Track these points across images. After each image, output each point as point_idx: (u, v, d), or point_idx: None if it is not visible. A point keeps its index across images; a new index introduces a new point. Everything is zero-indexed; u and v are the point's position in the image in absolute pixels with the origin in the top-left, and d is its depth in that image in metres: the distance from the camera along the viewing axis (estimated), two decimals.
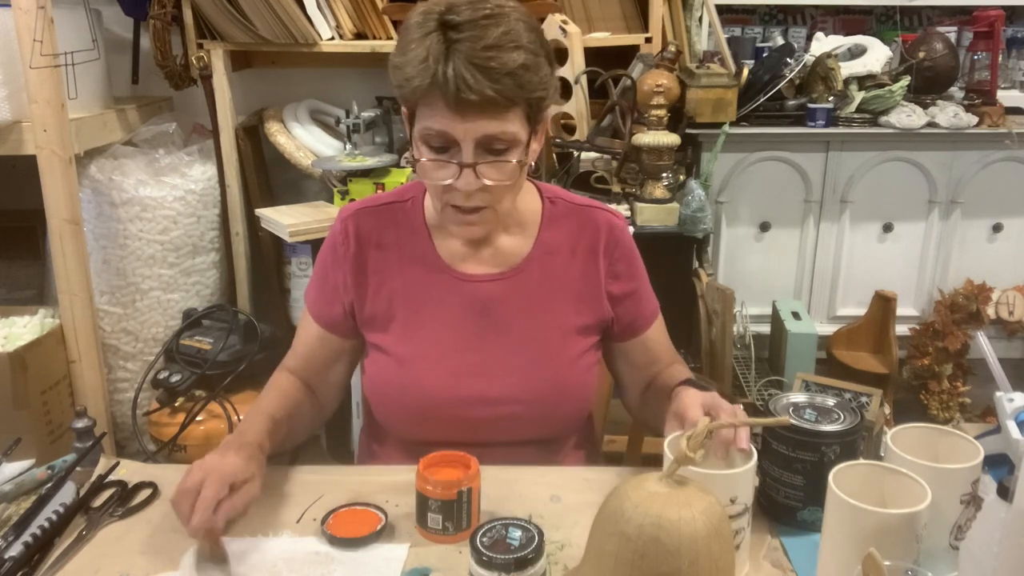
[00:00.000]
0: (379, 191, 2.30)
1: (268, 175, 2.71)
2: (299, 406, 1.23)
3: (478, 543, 0.87)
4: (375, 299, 1.23)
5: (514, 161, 1.08)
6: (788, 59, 2.51)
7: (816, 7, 3.10)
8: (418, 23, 1.05)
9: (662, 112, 2.22)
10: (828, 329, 2.63)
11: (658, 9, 2.47)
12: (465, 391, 1.19)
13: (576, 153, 2.34)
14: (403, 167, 2.35)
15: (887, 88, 2.49)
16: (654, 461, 1.01)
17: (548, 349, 1.22)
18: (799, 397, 1.07)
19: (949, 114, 2.46)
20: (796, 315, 2.42)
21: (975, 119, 2.48)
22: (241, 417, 2.27)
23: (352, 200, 2.31)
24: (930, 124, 2.48)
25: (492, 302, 1.21)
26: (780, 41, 2.99)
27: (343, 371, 1.30)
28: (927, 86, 2.57)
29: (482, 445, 1.10)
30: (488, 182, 1.07)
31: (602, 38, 2.46)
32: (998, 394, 1.15)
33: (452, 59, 1.01)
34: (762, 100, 2.44)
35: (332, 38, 2.39)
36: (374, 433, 1.33)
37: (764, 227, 2.60)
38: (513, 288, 1.22)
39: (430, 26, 1.03)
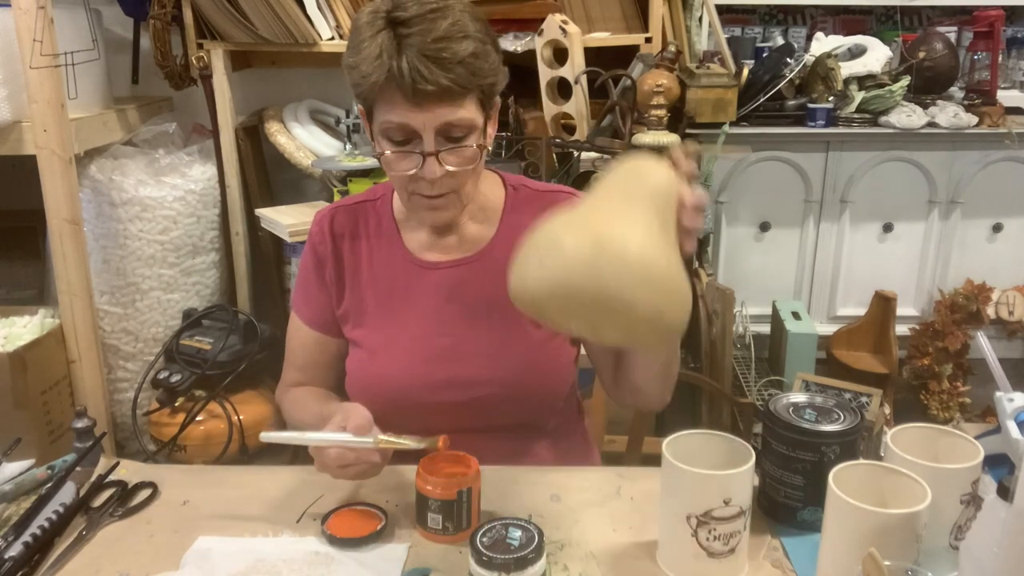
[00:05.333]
0: None
1: (268, 175, 2.71)
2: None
3: (478, 543, 0.87)
4: (351, 294, 1.26)
5: (474, 146, 1.12)
6: (788, 59, 2.51)
7: (816, 7, 3.10)
8: (367, 22, 1.09)
9: (662, 112, 2.22)
10: (828, 329, 2.63)
11: (658, 9, 2.47)
12: (436, 376, 1.21)
13: (576, 153, 2.34)
14: None
15: (887, 88, 2.49)
16: (654, 461, 1.01)
17: (517, 330, 1.23)
18: (799, 397, 1.07)
19: (949, 114, 2.46)
20: (796, 315, 2.42)
21: (975, 119, 2.48)
22: (242, 417, 2.27)
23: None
24: (930, 124, 2.47)
25: (458, 287, 1.24)
26: (780, 41, 2.99)
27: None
28: (927, 86, 2.57)
29: (459, 431, 1.11)
30: (451, 168, 1.11)
31: (602, 38, 2.46)
32: (998, 394, 1.15)
33: (405, 53, 1.04)
34: (762, 100, 2.44)
35: (332, 38, 2.39)
36: None
37: (764, 227, 2.60)
38: (478, 272, 1.24)
39: (379, 24, 1.07)
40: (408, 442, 1.03)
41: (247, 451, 2.29)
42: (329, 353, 1.30)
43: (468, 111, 1.10)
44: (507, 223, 1.26)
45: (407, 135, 1.10)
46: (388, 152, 1.11)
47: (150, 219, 2.34)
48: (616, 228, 0.87)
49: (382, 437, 1.02)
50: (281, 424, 2.38)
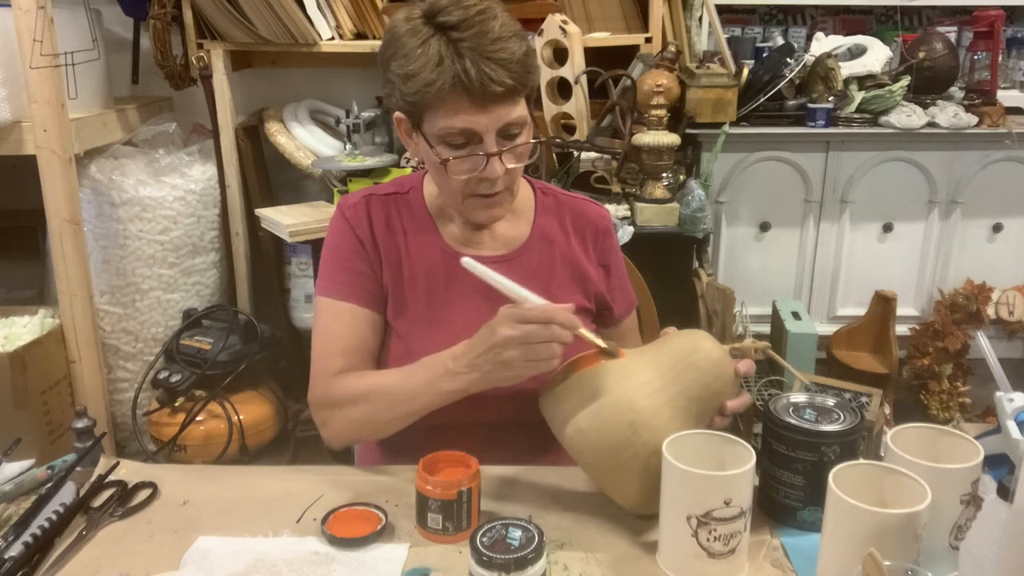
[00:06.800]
0: None
1: (268, 175, 2.71)
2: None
3: (478, 543, 0.87)
4: (388, 278, 1.25)
5: (529, 141, 1.15)
6: (788, 59, 2.51)
7: (816, 7, 3.09)
8: (409, 31, 1.08)
9: (662, 112, 2.22)
10: (828, 329, 2.63)
11: (658, 9, 2.47)
12: None
13: (576, 153, 2.34)
14: (403, 167, 2.35)
15: (887, 88, 2.49)
16: None
17: None
18: (799, 397, 1.07)
19: (949, 114, 2.46)
20: (796, 315, 2.42)
21: (975, 119, 2.48)
22: (242, 417, 2.27)
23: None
24: (930, 124, 2.48)
25: None
26: (780, 41, 2.99)
27: None
28: (927, 86, 2.57)
29: (491, 424, 1.10)
30: (511, 165, 1.13)
31: (602, 38, 2.46)
32: (998, 394, 1.15)
33: (466, 56, 1.05)
34: (762, 100, 2.44)
35: (332, 38, 2.39)
36: None
37: (764, 227, 2.60)
38: (516, 269, 1.24)
39: (426, 31, 1.07)
40: (598, 339, 1.05)
41: (247, 451, 2.29)
42: (378, 334, 1.24)
43: (522, 108, 1.12)
44: (540, 225, 1.29)
45: (467, 138, 1.10)
46: (451, 158, 1.11)
47: (150, 219, 2.34)
48: (653, 422, 0.99)
49: (581, 329, 1.02)
50: (279, 430, 2.37)
